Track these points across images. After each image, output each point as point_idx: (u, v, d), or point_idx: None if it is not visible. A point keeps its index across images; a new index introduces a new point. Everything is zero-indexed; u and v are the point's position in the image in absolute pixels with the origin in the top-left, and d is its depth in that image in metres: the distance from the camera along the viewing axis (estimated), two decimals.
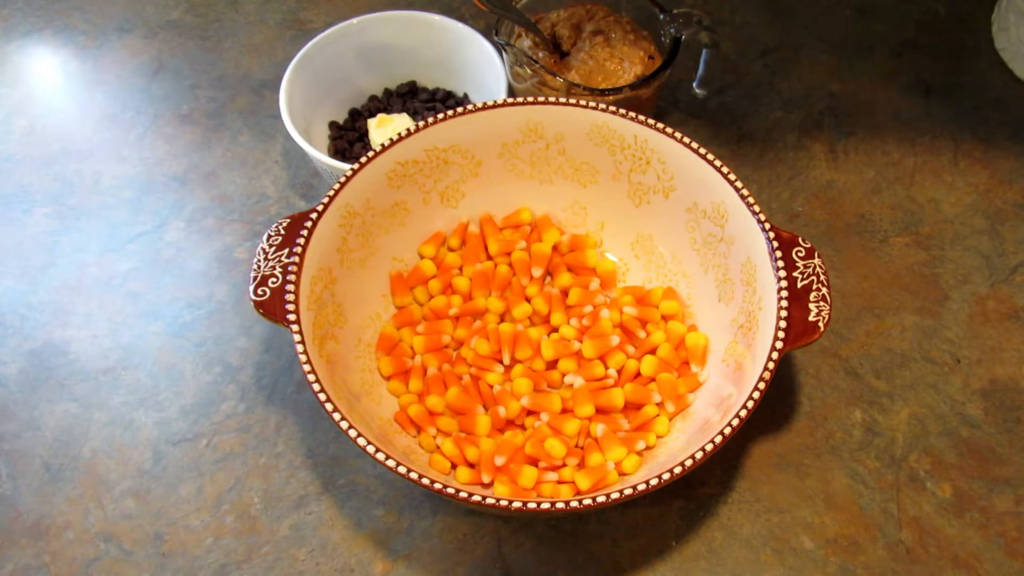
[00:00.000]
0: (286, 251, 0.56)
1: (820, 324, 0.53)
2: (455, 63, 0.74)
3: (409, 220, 0.65)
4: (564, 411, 0.60)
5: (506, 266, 0.65)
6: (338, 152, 0.72)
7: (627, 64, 0.69)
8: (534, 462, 0.58)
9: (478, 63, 0.72)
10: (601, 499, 0.49)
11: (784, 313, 0.53)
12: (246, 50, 0.82)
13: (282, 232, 0.57)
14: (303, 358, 0.53)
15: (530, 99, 0.62)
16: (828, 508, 0.60)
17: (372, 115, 0.74)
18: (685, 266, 0.64)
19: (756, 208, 0.57)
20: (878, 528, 0.60)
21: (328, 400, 0.51)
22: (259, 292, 0.55)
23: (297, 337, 0.53)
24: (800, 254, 0.56)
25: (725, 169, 0.59)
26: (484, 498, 0.49)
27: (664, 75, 0.68)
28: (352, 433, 0.50)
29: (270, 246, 0.57)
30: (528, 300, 0.64)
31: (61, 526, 0.60)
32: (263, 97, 0.79)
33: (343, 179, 0.59)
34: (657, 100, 0.72)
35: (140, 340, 0.67)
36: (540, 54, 0.70)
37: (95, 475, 0.62)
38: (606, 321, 0.63)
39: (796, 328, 0.53)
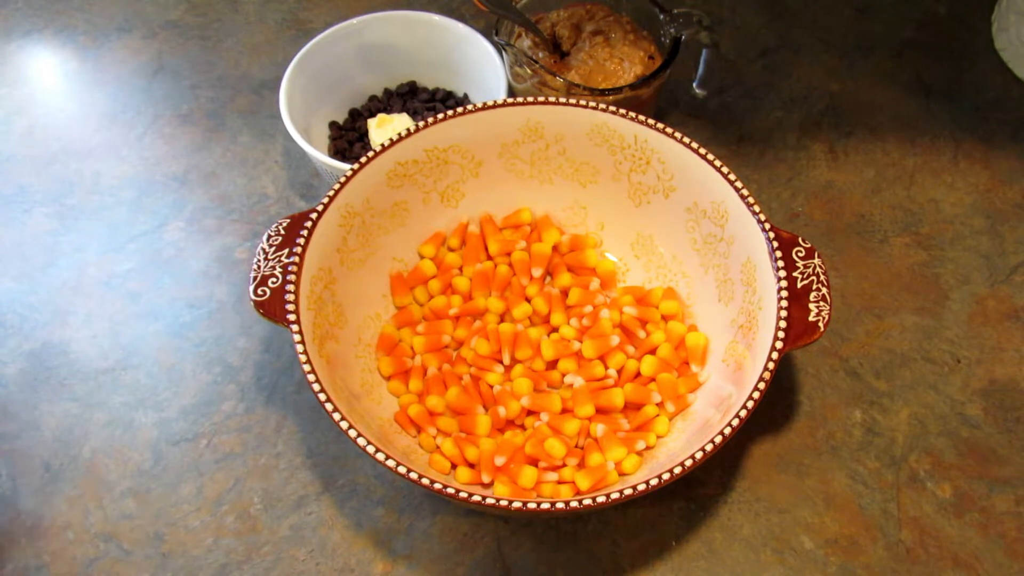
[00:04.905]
0: (286, 251, 0.56)
1: (820, 324, 0.53)
2: (455, 63, 0.74)
3: (409, 220, 0.65)
4: (564, 411, 0.60)
5: (506, 266, 0.65)
6: (338, 152, 0.72)
7: (627, 64, 0.69)
8: (534, 462, 0.58)
9: (478, 63, 0.72)
10: (601, 499, 0.49)
11: (784, 313, 0.53)
12: (246, 50, 0.82)
13: (282, 232, 0.57)
14: (303, 358, 0.53)
15: (530, 99, 0.62)
16: (828, 508, 0.60)
17: (372, 115, 0.74)
18: (685, 266, 0.64)
19: (756, 208, 0.57)
20: (878, 528, 0.60)
21: (328, 400, 0.51)
22: (259, 292, 0.55)
23: (297, 337, 0.53)
24: (800, 254, 0.56)
25: (725, 169, 0.59)
26: (484, 498, 0.49)
27: (664, 75, 0.68)
28: (352, 433, 0.50)
29: (270, 246, 0.57)
30: (528, 300, 0.64)
31: (61, 526, 0.60)
32: (263, 97, 0.79)
33: (343, 179, 0.59)
34: (657, 100, 0.72)
35: (140, 340, 0.67)
36: (540, 54, 0.70)
37: (95, 475, 0.62)
38: (606, 321, 0.63)
39: (796, 328, 0.53)
